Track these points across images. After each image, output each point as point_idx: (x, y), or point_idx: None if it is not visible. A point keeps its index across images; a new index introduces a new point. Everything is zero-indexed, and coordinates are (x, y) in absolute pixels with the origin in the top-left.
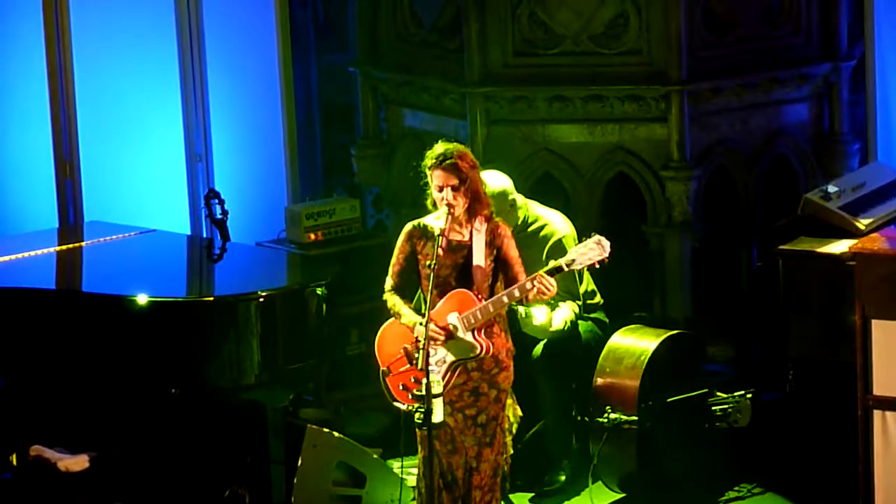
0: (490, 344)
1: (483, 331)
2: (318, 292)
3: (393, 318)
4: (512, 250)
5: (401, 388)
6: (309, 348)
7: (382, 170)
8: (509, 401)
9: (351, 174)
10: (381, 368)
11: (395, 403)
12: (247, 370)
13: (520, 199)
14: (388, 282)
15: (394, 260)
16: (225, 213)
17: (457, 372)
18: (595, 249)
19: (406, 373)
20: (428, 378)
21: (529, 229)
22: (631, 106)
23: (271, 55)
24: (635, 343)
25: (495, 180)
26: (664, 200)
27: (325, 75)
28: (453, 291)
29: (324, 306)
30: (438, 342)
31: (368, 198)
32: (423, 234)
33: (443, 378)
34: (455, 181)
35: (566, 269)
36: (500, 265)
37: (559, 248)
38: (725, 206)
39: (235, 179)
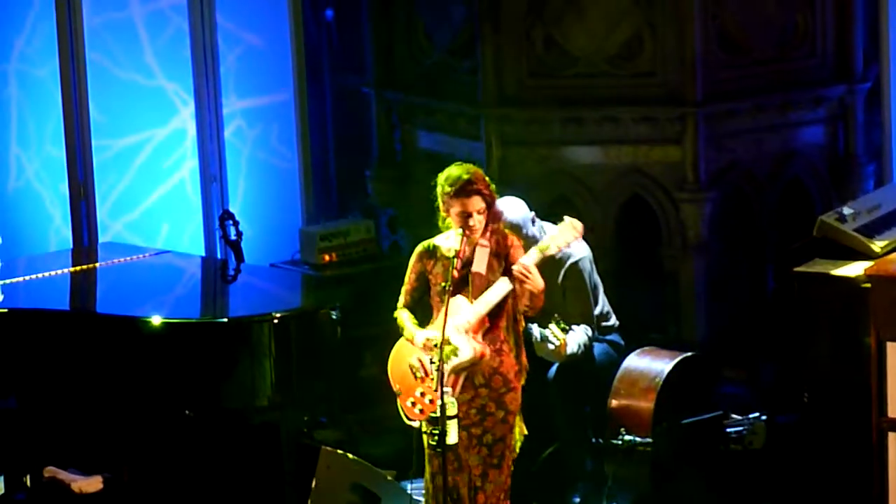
0: (484, 348)
1: (488, 342)
2: (333, 314)
3: (403, 338)
4: (521, 258)
5: (409, 404)
6: (323, 370)
7: (397, 191)
8: (517, 420)
9: (366, 195)
10: (394, 389)
11: (409, 422)
12: (261, 392)
13: (536, 223)
14: (401, 300)
15: (406, 279)
16: (239, 234)
17: (461, 382)
18: (568, 231)
19: (413, 387)
20: (442, 399)
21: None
22: (645, 128)
23: (286, 76)
24: (650, 365)
25: (513, 210)
26: (678, 223)
27: (340, 96)
28: (452, 300)
29: (338, 328)
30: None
31: (383, 219)
32: (433, 254)
33: (453, 389)
34: (482, 205)
35: (541, 254)
36: (510, 275)
37: (575, 271)
38: (740, 228)
39: (250, 201)
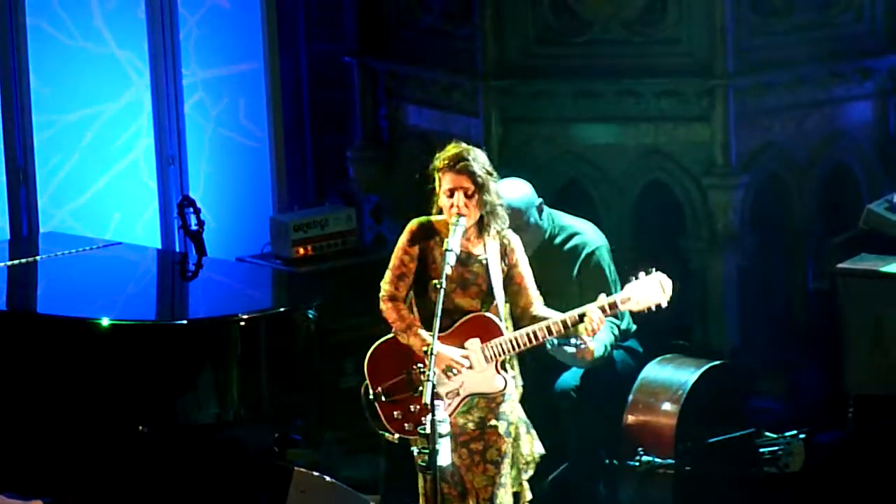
0: (508, 378)
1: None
2: (308, 316)
3: (393, 335)
4: (526, 267)
5: (396, 416)
6: (297, 380)
7: (383, 175)
8: (528, 437)
9: (346, 180)
10: (374, 391)
11: (384, 433)
12: (226, 405)
13: (543, 211)
14: (386, 289)
15: (394, 262)
16: (201, 223)
17: (462, 403)
18: (655, 290)
19: (405, 401)
20: (433, 415)
21: (556, 241)
22: (668, 103)
23: (256, 42)
24: (673, 375)
25: (516, 192)
26: (706, 212)
27: (317, 66)
28: (474, 315)
29: (314, 332)
30: (458, 372)
31: (366, 207)
32: (431, 234)
33: (451, 414)
34: (469, 185)
35: (620, 307)
36: (509, 283)
37: (593, 262)
38: (777, 218)
39: (213, 185)
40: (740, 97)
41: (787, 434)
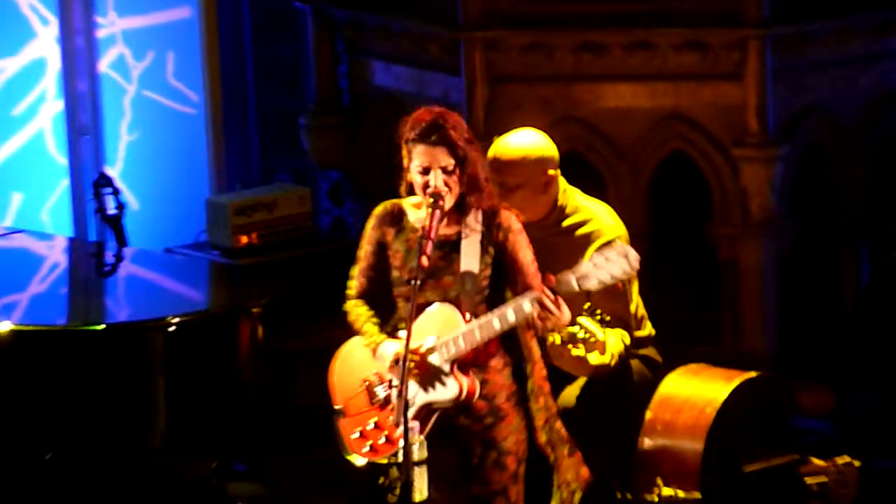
0: (474, 383)
1: (473, 362)
2: (253, 319)
3: (357, 338)
4: (523, 249)
5: (356, 436)
6: (239, 397)
7: (343, 147)
8: (569, 459)
9: (299, 153)
10: (335, 407)
11: (349, 457)
12: (152, 427)
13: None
14: (353, 286)
15: (361, 254)
16: (121, 206)
17: (434, 419)
18: (617, 263)
19: (363, 415)
20: (407, 438)
21: (565, 223)
22: (691, 57)
23: None
24: (698, 390)
25: (531, 141)
26: (738, 190)
27: (263, 13)
28: (436, 306)
29: (261, 338)
30: (413, 373)
31: (324, 186)
32: (397, 220)
33: (423, 433)
34: (448, 161)
35: (576, 287)
36: (507, 270)
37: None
38: (823, 197)
39: (136, 161)
40: (778, 50)
41: (838, 460)
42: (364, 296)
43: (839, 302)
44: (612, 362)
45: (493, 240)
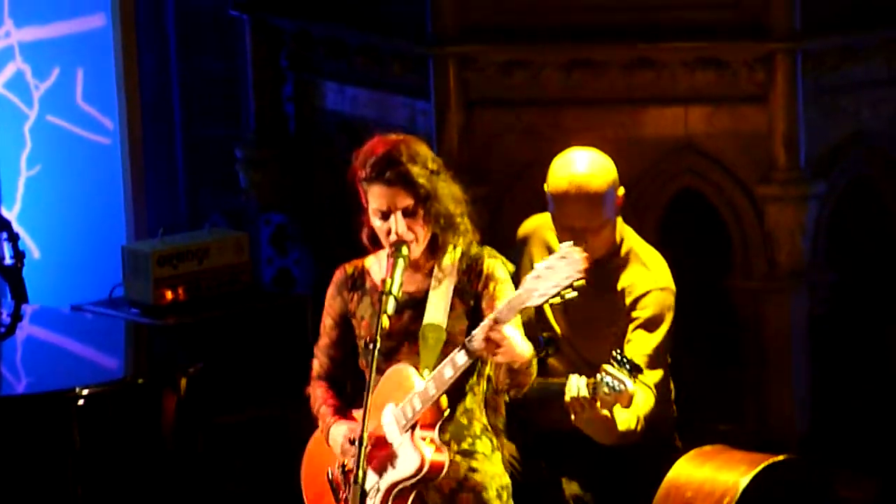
0: (444, 455)
1: (449, 438)
2: (179, 390)
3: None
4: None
5: None
6: (163, 484)
7: (288, 184)
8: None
9: (235, 191)
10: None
11: None
12: None
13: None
14: (315, 365)
15: (321, 328)
16: (20, 255)
17: (410, 498)
18: (561, 268)
19: None
20: None
21: (609, 265)
22: (706, 77)
23: None
24: (716, 475)
25: (601, 163)
26: (763, 236)
27: (192, 24)
28: (391, 369)
29: (190, 413)
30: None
31: (265, 231)
32: (358, 284)
33: None
34: (408, 201)
35: (523, 303)
36: (479, 320)
37: (658, 302)
38: (867, 244)
39: (38, 201)
40: (812, 68)
41: None
42: (326, 377)
43: (884, 372)
44: (639, 427)
45: (470, 289)
